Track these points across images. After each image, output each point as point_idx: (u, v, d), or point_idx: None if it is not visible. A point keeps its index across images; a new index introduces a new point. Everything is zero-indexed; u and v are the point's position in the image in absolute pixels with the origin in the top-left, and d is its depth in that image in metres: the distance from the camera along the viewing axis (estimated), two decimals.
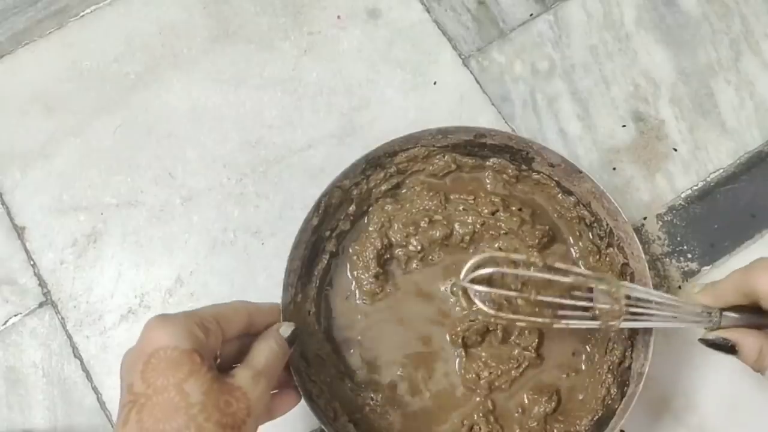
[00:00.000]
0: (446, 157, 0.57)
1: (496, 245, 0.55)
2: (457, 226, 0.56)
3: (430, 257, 0.56)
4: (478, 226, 0.55)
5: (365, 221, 0.57)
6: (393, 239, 0.56)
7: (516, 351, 0.53)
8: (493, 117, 0.63)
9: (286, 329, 0.42)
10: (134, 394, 0.34)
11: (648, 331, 0.49)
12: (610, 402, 0.51)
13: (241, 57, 0.65)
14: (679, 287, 0.59)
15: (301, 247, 0.51)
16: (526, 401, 0.53)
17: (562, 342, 0.54)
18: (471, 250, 0.56)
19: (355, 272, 0.55)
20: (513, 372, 0.53)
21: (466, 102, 0.64)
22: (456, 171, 0.58)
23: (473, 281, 0.45)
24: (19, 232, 0.61)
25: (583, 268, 0.55)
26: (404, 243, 0.55)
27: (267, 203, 0.61)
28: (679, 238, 0.60)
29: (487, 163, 0.57)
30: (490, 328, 0.53)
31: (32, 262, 0.60)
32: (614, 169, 0.62)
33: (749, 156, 0.63)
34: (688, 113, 0.64)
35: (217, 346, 0.38)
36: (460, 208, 0.56)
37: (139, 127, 0.63)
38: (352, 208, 0.55)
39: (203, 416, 0.33)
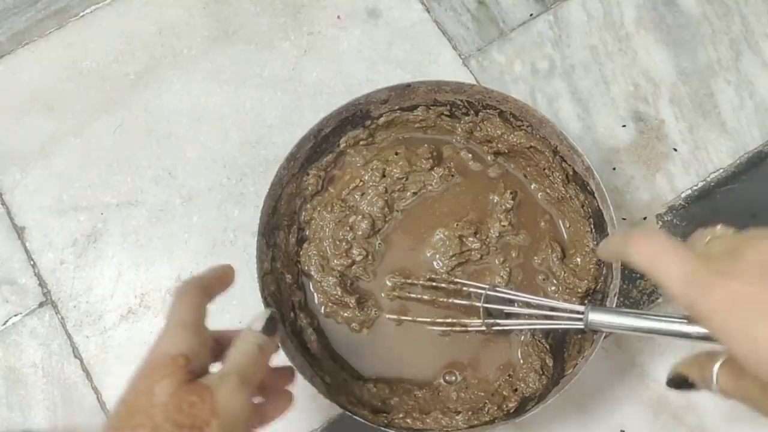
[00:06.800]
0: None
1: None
2: (376, 210, 0.56)
3: (378, 246, 0.56)
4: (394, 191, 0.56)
5: (307, 279, 0.56)
6: (338, 264, 0.55)
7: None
8: None
9: (258, 321, 0.40)
10: (119, 396, 0.35)
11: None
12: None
13: (241, 57, 0.65)
14: None
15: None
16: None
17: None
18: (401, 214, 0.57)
19: (339, 319, 0.54)
20: None
21: None
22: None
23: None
24: (19, 232, 0.61)
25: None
26: (350, 260, 0.55)
27: None
28: (679, 238, 0.60)
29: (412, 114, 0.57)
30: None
31: (32, 262, 0.60)
32: (614, 169, 0.62)
33: (749, 156, 0.63)
34: (688, 113, 0.64)
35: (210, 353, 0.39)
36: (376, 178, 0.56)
37: (139, 127, 0.63)
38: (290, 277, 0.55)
39: (162, 416, 0.33)
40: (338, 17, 0.66)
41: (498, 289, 0.52)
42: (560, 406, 0.55)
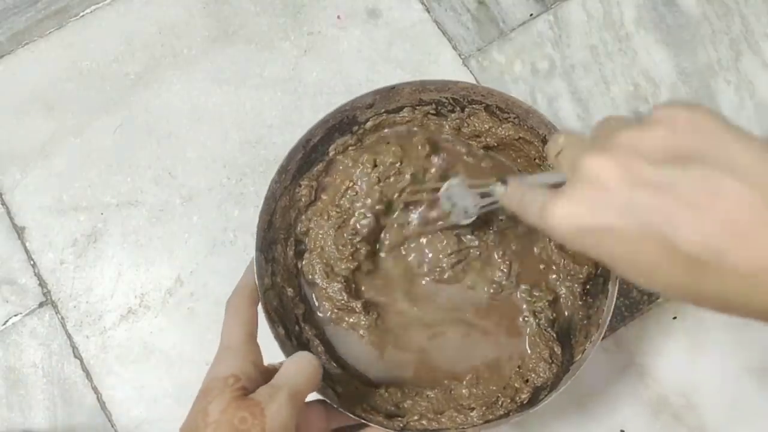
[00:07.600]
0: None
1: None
2: (372, 202, 0.55)
3: (387, 241, 0.55)
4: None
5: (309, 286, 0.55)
6: (344, 269, 0.54)
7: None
8: None
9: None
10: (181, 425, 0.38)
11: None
12: None
13: (241, 57, 0.65)
14: None
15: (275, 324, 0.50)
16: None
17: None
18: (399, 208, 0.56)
19: (348, 326, 0.54)
20: None
21: None
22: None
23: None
24: (19, 232, 0.61)
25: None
26: (356, 263, 0.54)
27: None
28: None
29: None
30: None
31: (32, 262, 0.60)
32: None
33: None
34: None
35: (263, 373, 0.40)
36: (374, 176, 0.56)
37: (139, 127, 0.63)
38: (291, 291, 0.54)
39: None
40: (338, 17, 0.66)
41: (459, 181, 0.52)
42: (560, 406, 0.56)
